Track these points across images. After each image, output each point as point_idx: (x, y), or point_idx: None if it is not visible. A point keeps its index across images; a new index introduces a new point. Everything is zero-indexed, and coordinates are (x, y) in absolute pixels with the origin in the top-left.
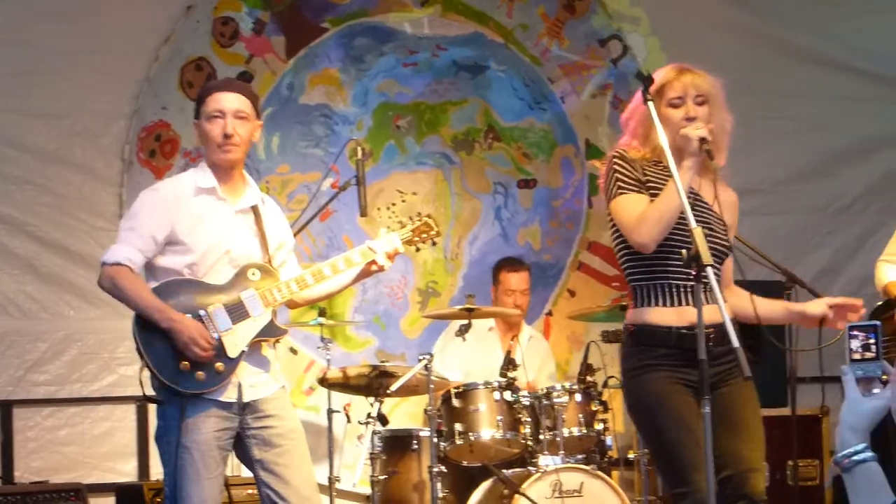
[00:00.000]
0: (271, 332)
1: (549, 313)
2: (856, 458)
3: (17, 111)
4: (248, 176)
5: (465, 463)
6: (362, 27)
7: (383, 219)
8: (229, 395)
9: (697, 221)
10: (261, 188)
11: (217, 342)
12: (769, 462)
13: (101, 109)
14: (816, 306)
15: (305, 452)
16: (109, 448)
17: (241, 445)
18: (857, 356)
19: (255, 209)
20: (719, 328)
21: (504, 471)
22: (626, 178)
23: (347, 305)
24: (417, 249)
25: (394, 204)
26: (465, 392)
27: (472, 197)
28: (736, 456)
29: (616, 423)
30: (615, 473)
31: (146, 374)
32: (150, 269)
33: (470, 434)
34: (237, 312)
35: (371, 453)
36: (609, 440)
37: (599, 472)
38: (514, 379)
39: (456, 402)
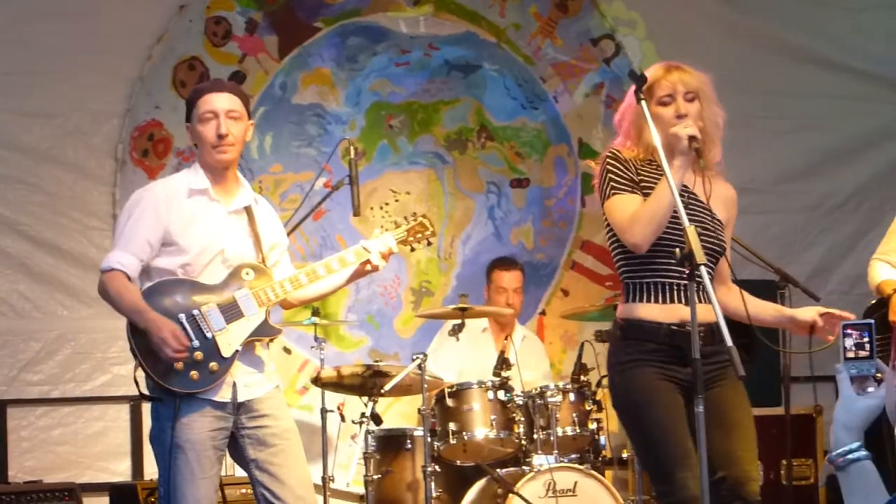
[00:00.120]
0: (265, 331)
1: (543, 313)
2: (850, 456)
3: (9, 110)
4: (242, 177)
5: (458, 462)
6: (355, 27)
7: (376, 218)
8: (223, 395)
9: (691, 220)
10: (254, 188)
11: (207, 340)
12: (763, 462)
13: (94, 109)
14: (807, 313)
15: (300, 452)
16: (103, 448)
17: (235, 445)
18: (851, 355)
19: (248, 209)
20: (710, 327)
21: (498, 470)
22: (619, 178)
23: (341, 305)
24: (412, 249)
25: (387, 203)
26: (459, 391)
27: (465, 196)
28: (730, 457)
29: (610, 422)
30: (609, 473)
31: (141, 373)
32: (145, 269)
33: (464, 433)
34: (231, 312)
35: (365, 453)
36: (603, 440)
37: (593, 472)
38: (507, 378)
39: (450, 402)
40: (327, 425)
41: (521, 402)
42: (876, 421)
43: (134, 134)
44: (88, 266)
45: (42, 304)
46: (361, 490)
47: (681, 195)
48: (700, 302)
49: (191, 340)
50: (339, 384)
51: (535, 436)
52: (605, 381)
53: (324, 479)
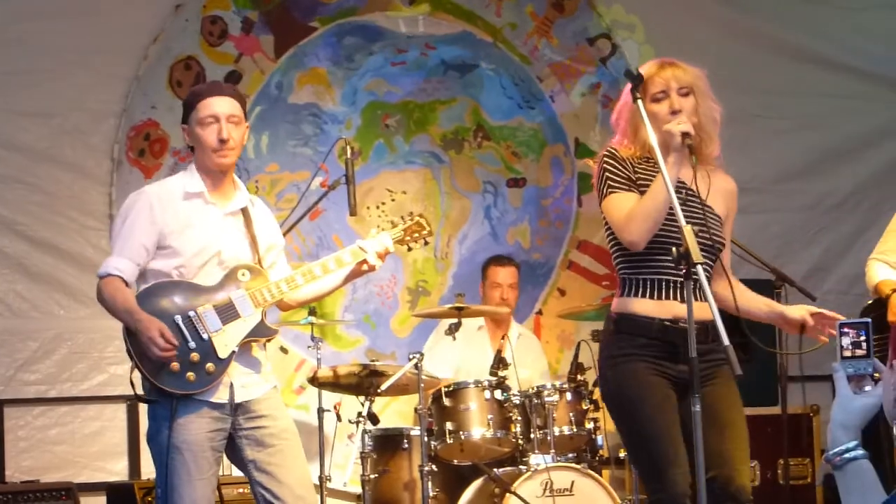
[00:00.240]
0: (261, 332)
1: (539, 312)
2: (847, 455)
3: (7, 110)
4: (237, 178)
5: (455, 462)
6: (351, 26)
7: (373, 218)
8: (220, 396)
9: (689, 217)
10: (250, 188)
11: (203, 342)
12: (760, 461)
13: (91, 108)
14: (796, 311)
15: (299, 452)
16: (100, 447)
17: (233, 446)
18: (847, 353)
19: (244, 211)
20: (705, 325)
21: (495, 470)
22: (615, 177)
23: (337, 304)
24: (409, 249)
25: (383, 203)
26: (456, 391)
27: (461, 196)
28: (721, 456)
29: (607, 422)
30: (606, 472)
31: (137, 375)
32: (140, 272)
33: (461, 433)
34: (227, 313)
35: (362, 452)
36: (600, 439)
37: (590, 471)
38: (504, 378)
39: (446, 401)
40: (324, 425)
41: (517, 402)
42: (873, 420)
43: (130, 134)
44: (86, 266)
45: (39, 303)
46: (358, 490)
47: (678, 192)
48: (697, 300)
49: (187, 341)
50: (336, 384)
51: (532, 435)
52: None
53: (321, 478)
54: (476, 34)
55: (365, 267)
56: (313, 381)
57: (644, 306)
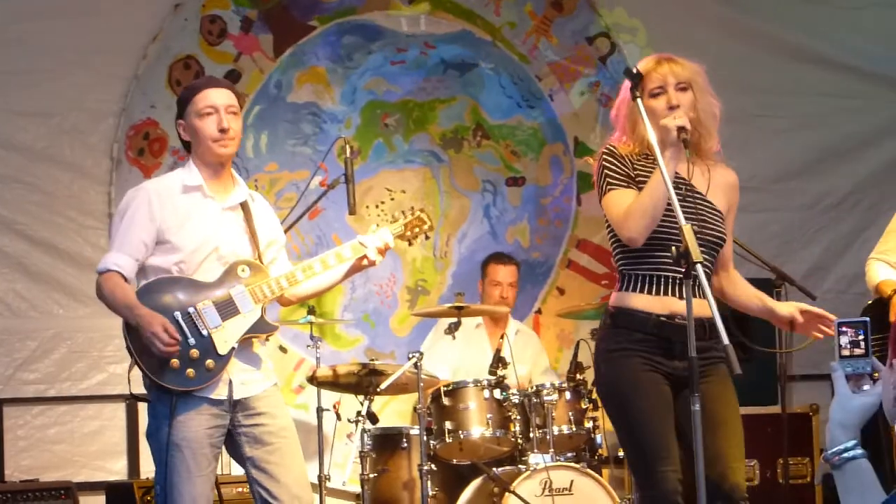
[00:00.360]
0: (261, 328)
1: (539, 311)
2: (846, 455)
3: (6, 110)
4: (236, 174)
5: (454, 461)
6: (350, 25)
7: (372, 217)
8: (220, 393)
9: (689, 213)
10: (249, 187)
11: (203, 338)
12: (760, 460)
13: (90, 108)
14: (786, 308)
15: (297, 450)
16: (99, 446)
17: (232, 443)
18: (846, 353)
19: (244, 206)
20: (703, 322)
21: (494, 469)
22: (614, 174)
23: (337, 303)
24: (410, 244)
25: (382, 202)
26: (455, 390)
27: (460, 195)
28: (715, 455)
29: (606, 421)
30: (605, 471)
31: (136, 372)
32: (140, 268)
33: (460, 432)
34: (226, 309)
35: (361, 451)
36: (599, 438)
37: (589, 471)
38: (503, 377)
39: (446, 401)
40: (323, 424)
41: (517, 401)
42: (872, 419)
43: (129, 133)
44: (85, 265)
45: (38, 302)
46: (357, 489)
47: (678, 188)
48: (696, 297)
49: (186, 338)
50: (335, 383)
51: (532, 434)
52: None
53: (320, 477)
54: (475, 33)
55: (365, 262)
56: (312, 380)
57: (641, 301)
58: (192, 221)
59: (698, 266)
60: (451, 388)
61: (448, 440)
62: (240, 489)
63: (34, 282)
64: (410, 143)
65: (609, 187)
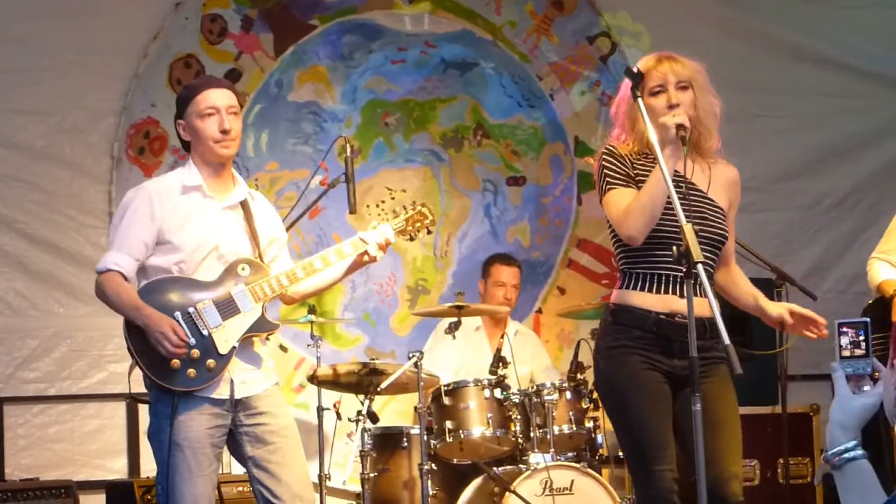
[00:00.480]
0: (262, 327)
1: (539, 311)
2: (846, 455)
3: (6, 108)
4: (236, 173)
5: (455, 461)
6: (351, 24)
7: (372, 216)
8: (221, 392)
9: (690, 211)
10: (250, 186)
11: (204, 337)
12: (760, 460)
13: (90, 106)
14: (775, 308)
15: (299, 449)
16: (99, 445)
17: (233, 443)
18: (846, 353)
19: (244, 205)
20: (703, 322)
21: (494, 468)
22: (614, 174)
23: (337, 303)
24: (412, 239)
25: (383, 201)
26: (455, 390)
27: (461, 194)
28: (710, 456)
29: (606, 420)
30: (605, 471)
31: (137, 372)
32: (140, 268)
33: (460, 432)
34: (227, 308)
35: (361, 451)
36: (599, 438)
37: (590, 470)
38: (504, 376)
39: (446, 400)
40: (323, 423)
41: (517, 401)
42: (872, 419)
43: (130, 132)
44: (85, 264)
45: (39, 301)
46: (358, 488)
47: (678, 186)
48: (698, 296)
49: (187, 338)
50: (336, 382)
51: (532, 434)
52: None
53: (320, 477)
54: (476, 32)
55: (366, 258)
56: (313, 379)
57: (642, 299)
58: (193, 221)
59: (699, 265)
60: (451, 387)
61: (448, 440)
62: (240, 488)
63: (34, 280)
64: (411, 142)
65: (609, 187)
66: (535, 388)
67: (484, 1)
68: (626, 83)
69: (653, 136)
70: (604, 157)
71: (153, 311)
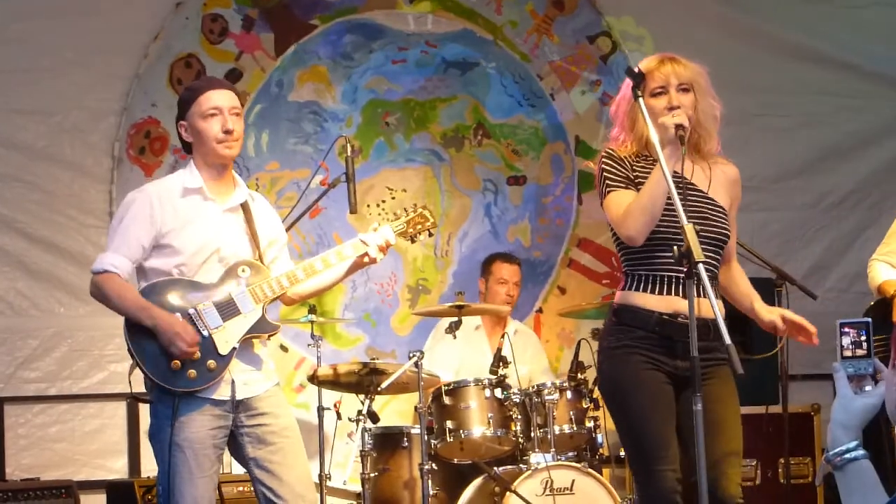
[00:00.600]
0: (262, 328)
1: (540, 310)
2: (848, 456)
3: (6, 108)
4: (237, 175)
5: (455, 460)
6: (351, 24)
7: (373, 216)
8: (222, 393)
9: (690, 211)
10: (250, 186)
11: (204, 339)
12: (761, 460)
13: (91, 106)
14: (768, 314)
15: (300, 450)
16: (100, 445)
17: (235, 444)
18: (848, 353)
19: (244, 206)
20: (706, 322)
21: (495, 468)
22: (613, 176)
23: (337, 303)
24: (412, 241)
25: (383, 201)
26: (456, 389)
27: (461, 194)
28: (709, 458)
29: (607, 420)
30: (606, 471)
31: (137, 372)
32: (140, 270)
33: (461, 431)
34: (227, 310)
35: (361, 451)
36: (600, 438)
37: (591, 470)
38: (504, 376)
39: (446, 400)
40: (324, 423)
41: (518, 400)
42: (874, 419)
43: (131, 132)
44: (85, 264)
45: (39, 301)
46: (358, 488)
47: (678, 186)
48: (701, 297)
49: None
50: (336, 382)
51: (533, 434)
52: None
53: (321, 477)
54: (476, 32)
55: (366, 259)
56: (313, 379)
57: (645, 300)
58: (194, 225)
59: (700, 266)
60: (451, 387)
61: (449, 439)
62: (241, 488)
63: (35, 280)
64: (411, 141)
65: (609, 189)
66: (535, 387)
67: (484, 1)
68: (627, 83)
69: (653, 135)
70: (603, 160)
71: (162, 311)
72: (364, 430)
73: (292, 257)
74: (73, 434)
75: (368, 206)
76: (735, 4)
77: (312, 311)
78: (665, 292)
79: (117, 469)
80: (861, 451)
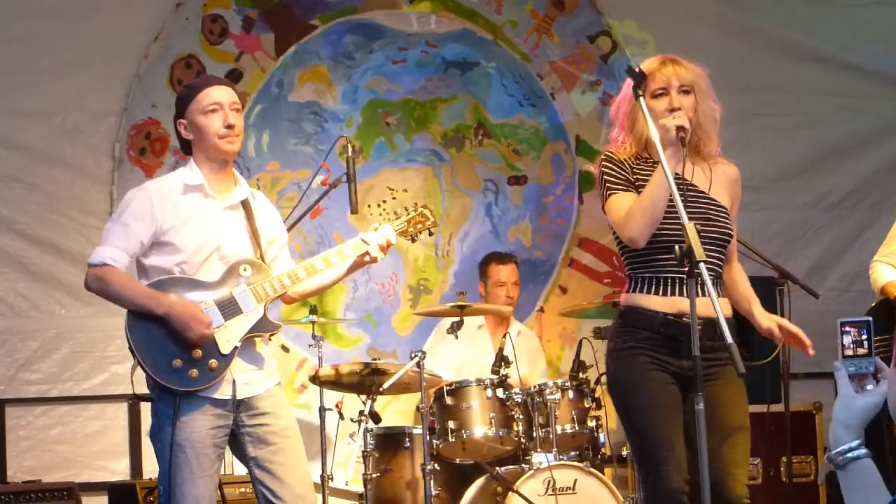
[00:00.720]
0: (264, 327)
1: (541, 310)
2: (850, 455)
3: (7, 110)
4: (237, 173)
5: (457, 460)
6: (351, 24)
7: (374, 216)
8: (223, 393)
9: (692, 212)
10: (251, 186)
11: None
12: (763, 458)
13: (91, 107)
14: (766, 321)
15: (301, 450)
16: (101, 447)
17: (236, 443)
18: (849, 352)
19: (245, 204)
20: (710, 322)
21: (497, 468)
22: (614, 179)
23: (339, 303)
24: (413, 240)
25: (384, 201)
26: (458, 389)
27: (462, 194)
28: (718, 458)
29: (609, 420)
30: (608, 470)
31: (139, 372)
32: (141, 268)
33: (463, 431)
34: (229, 309)
35: (363, 451)
36: (602, 437)
37: (593, 470)
38: (506, 376)
39: (448, 400)
40: (326, 424)
41: (519, 400)
42: (875, 418)
43: (131, 133)
44: (86, 265)
45: (40, 302)
46: (360, 489)
47: (678, 188)
48: (704, 296)
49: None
50: (338, 382)
51: (535, 434)
52: (603, 379)
53: (322, 477)
54: (476, 32)
55: (367, 258)
56: (315, 379)
57: (650, 301)
58: (195, 222)
59: (702, 265)
60: (453, 387)
61: (451, 439)
62: (242, 489)
63: (36, 282)
64: (412, 142)
65: (609, 192)
66: (537, 387)
67: (484, 0)
68: (628, 83)
69: (654, 135)
70: (603, 163)
71: (172, 298)
72: (366, 430)
73: (293, 257)
74: (74, 436)
75: (369, 206)
76: (735, 4)
77: (314, 311)
78: (669, 293)
79: (119, 471)
80: (863, 451)
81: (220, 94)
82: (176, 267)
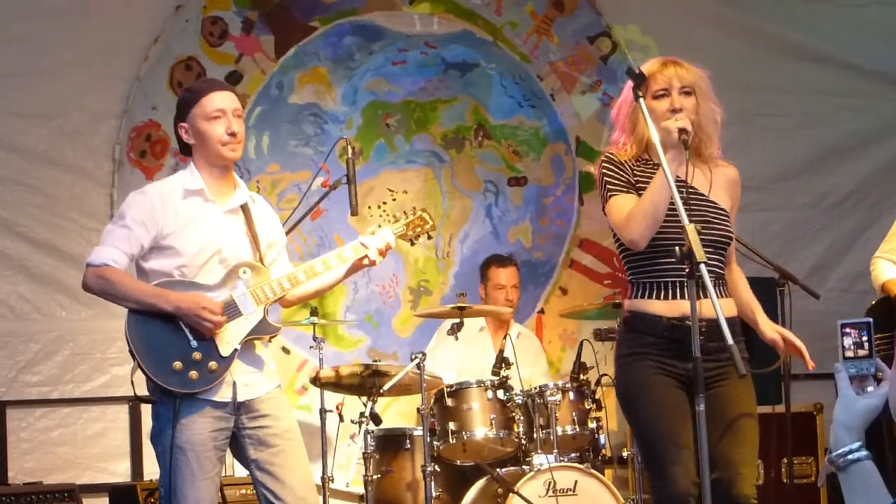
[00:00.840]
0: (264, 329)
1: (542, 311)
2: (850, 456)
3: (7, 111)
4: (237, 176)
5: (458, 462)
6: (351, 26)
7: (374, 217)
8: (223, 395)
9: (692, 214)
10: (251, 188)
11: (206, 340)
12: (764, 459)
13: (92, 109)
14: (770, 332)
15: (302, 452)
16: (102, 448)
17: (237, 445)
18: (850, 354)
19: (244, 208)
20: (713, 323)
21: (498, 470)
22: (614, 181)
23: (339, 304)
24: (412, 244)
25: (384, 203)
26: (458, 391)
27: (462, 195)
28: (726, 459)
29: (609, 421)
30: (609, 472)
31: (140, 375)
32: (140, 272)
33: (463, 433)
34: (228, 311)
35: (364, 453)
36: (602, 438)
37: (593, 471)
38: (506, 377)
39: (449, 401)
40: (326, 425)
41: (520, 402)
42: (876, 420)
43: (131, 135)
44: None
45: (41, 305)
46: (361, 490)
47: (679, 190)
48: (703, 298)
49: (189, 341)
50: (338, 384)
51: (535, 435)
52: (604, 380)
53: (323, 479)
54: (476, 33)
55: (366, 261)
56: (315, 381)
57: (654, 306)
58: (195, 226)
59: (702, 266)
60: (454, 388)
61: (451, 441)
62: (243, 491)
63: (36, 284)
64: (412, 143)
65: (610, 194)
66: (537, 388)
67: (484, 1)
68: (629, 84)
69: (655, 137)
70: (603, 165)
71: (179, 293)
72: (366, 432)
73: (293, 259)
74: (75, 438)
75: (369, 207)
76: (735, 4)
77: (314, 313)
78: (671, 297)
79: (120, 472)
80: (864, 452)
81: (223, 101)
82: (176, 270)
